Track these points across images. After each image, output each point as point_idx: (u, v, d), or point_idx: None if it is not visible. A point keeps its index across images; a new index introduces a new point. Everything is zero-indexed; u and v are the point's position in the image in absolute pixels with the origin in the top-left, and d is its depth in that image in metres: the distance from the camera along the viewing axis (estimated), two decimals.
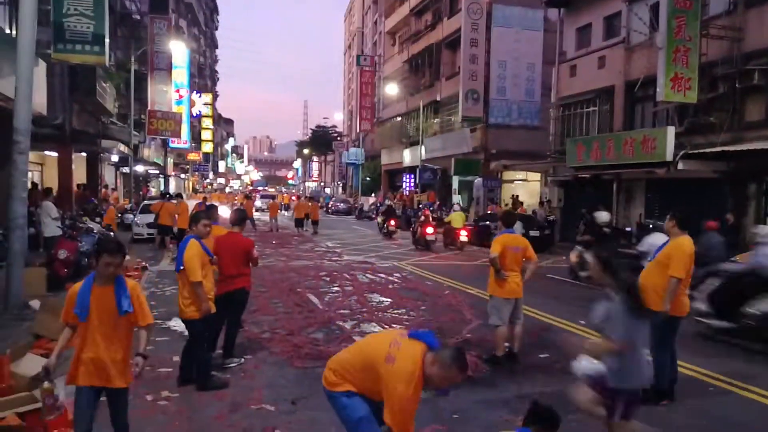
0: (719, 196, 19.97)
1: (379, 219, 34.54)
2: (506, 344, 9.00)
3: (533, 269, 9.16)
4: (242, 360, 8.63)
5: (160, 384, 7.56)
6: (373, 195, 59.57)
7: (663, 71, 19.58)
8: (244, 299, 8.83)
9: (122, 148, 30.91)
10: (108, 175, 37.53)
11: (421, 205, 37.54)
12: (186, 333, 7.89)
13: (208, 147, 73.09)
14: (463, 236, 25.55)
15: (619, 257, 12.58)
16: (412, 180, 49.13)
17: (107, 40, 19.63)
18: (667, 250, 7.38)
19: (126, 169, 37.72)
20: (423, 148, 44.25)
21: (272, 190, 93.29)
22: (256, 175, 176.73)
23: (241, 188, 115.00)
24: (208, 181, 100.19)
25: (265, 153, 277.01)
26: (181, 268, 7.34)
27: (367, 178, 67.75)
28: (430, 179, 44.76)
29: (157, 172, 50.12)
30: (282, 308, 12.40)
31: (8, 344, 8.00)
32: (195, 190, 75.85)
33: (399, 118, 54.38)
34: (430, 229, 25.24)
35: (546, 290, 15.31)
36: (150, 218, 23.09)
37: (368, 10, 79.00)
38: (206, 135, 70.11)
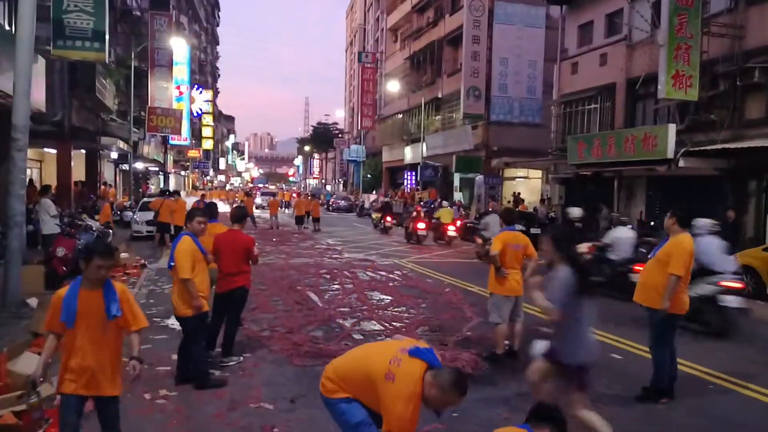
0: (720, 194, 19.94)
1: (376, 215, 35.70)
2: (506, 342, 8.98)
3: (534, 267, 9.11)
4: (241, 358, 8.60)
5: (159, 382, 7.54)
6: (374, 192, 59.53)
7: (664, 69, 19.56)
8: (244, 297, 8.79)
9: (122, 145, 30.90)
10: (107, 172, 37.51)
11: (422, 203, 37.51)
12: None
13: (208, 144, 73.15)
14: (451, 231, 26.67)
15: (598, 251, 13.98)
16: (414, 177, 49.09)
17: (107, 37, 19.62)
18: (667, 248, 7.35)
19: (125, 167, 37.70)
20: (424, 145, 44.24)
21: (273, 187, 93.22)
22: (256, 172, 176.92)
23: (241, 185, 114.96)
24: (208, 178, 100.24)
25: (266, 150, 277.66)
26: (172, 264, 7.32)
27: (368, 176, 67.70)
28: (431, 176, 44.75)
29: (157, 169, 50.11)
30: (282, 306, 12.37)
31: (6, 342, 7.98)
32: (195, 187, 75.85)
33: (400, 115, 54.31)
34: (421, 225, 26.53)
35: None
36: (149, 215, 23.05)
37: (370, 7, 78.91)
38: (207, 132, 70.15)
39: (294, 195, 58.73)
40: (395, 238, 29.01)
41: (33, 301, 10.59)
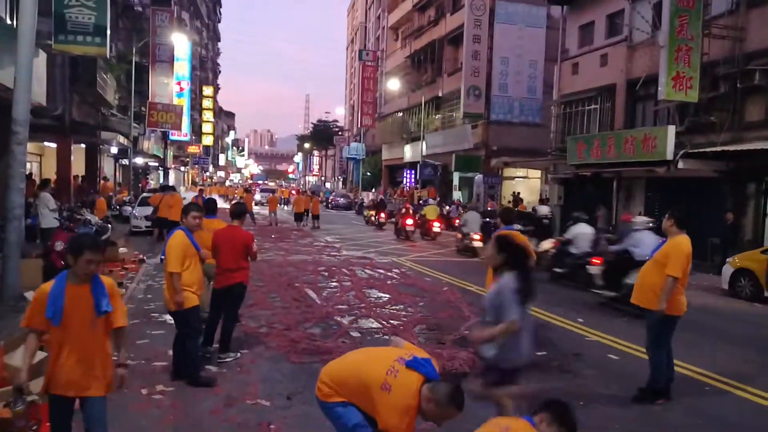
0: (719, 196, 19.97)
1: (371, 212, 36.79)
2: None
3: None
4: (238, 354, 8.60)
5: (155, 377, 7.55)
6: (373, 190, 59.54)
7: (665, 70, 19.58)
8: (242, 293, 8.78)
9: (122, 140, 30.86)
10: (107, 167, 37.48)
11: (422, 201, 37.57)
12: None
13: (208, 140, 73.18)
14: (436, 227, 28.13)
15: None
16: (413, 176, 49.15)
17: (108, 32, 19.59)
18: (665, 250, 7.36)
19: (125, 161, 37.68)
20: (424, 143, 44.27)
21: (272, 184, 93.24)
22: (256, 168, 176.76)
23: (240, 182, 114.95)
24: (208, 174, 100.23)
25: (266, 147, 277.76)
26: (163, 257, 7.33)
27: (368, 173, 67.70)
28: (430, 175, 44.79)
29: (157, 164, 50.07)
30: (279, 303, 12.36)
31: (3, 336, 7.99)
32: (194, 183, 75.85)
33: (400, 114, 54.34)
34: (409, 221, 27.77)
35: (544, 288, 15.29)
36: (148, 210, 23.01)
37: (371, 5, 78.84)
38: (207, 128, 70.15)
39: (293, 192, 58.73)
40: (393, 236, 29.07)
41: (31, 295, 10.58)
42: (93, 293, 4.57)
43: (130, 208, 27.45)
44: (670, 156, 19.63)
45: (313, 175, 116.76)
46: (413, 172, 48.74)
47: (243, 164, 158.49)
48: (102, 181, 32.27)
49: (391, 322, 10.99)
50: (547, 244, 17.68)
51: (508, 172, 37.24)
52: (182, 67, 48.42)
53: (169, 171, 55.86)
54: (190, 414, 6.57)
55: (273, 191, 53.22)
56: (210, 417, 6.50)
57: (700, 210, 17.85)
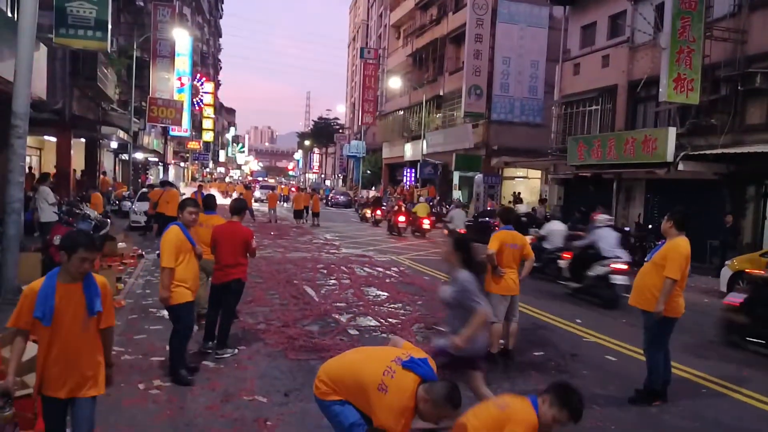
0: (718, 198, 19.98)
1: (366, 209, 38.83)
2: (501, 341, 8.98)
3: (529, 267, 9.13)
4: (236, 351, 8.60)
5: (153, 372, 7.55)
6: (373, 188, 59.51)
7: (666, 72, 19.58)
8: (240, 290, 8.77)
9: (122, 135, 30.83)
10: (107, 161, 37.48)
11: (422, 199, 37.59)
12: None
13: (208, 136, 73.11)
14: (426, 224, 29.03)
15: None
16: (413, 174, 49.14)
17: (109, 26, 19.59)
18: (663, 251, 7.36)
19: (125, 156, 37.65)
20: (424, 142, 44.26)
21: (272, 181, 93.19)
22: (256, 165, 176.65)
23: (240, 178, 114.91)
24: (207, 170, 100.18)
25: (266, 143, 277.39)
26: (158, 252, 7.32)
27: (368, 172, 67.67)
28: (430, 174, 44.78)
29: (157, 160, 50.06)
30: (278, 300, 12.37)
31: (1, 329, 7.98)
32: (194, 179, 75.85)
33: (401, 112, 54.30)
34: (402, 218, 29.46)
35: (542, 288, 15.32)
36: (147, 206, 22.98)
37: (373, 3, 78.77)
38: (207, 124, 70.09)
39: (293, 189, 58.74)
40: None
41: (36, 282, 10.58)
42: (85, 292, 4.41)
43: (129, 203, 27.42)
44: (670, 158, 19.64)
45: (313, 172, 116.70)
46: (413, 170, 48.73)
47: (243, 161, 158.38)
48: (102, 176, 32.26)
49: (389, 320, 11.00)
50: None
51: (509, 171, 37.25)
52: (183, 62, 48.41)
53: (169, 167, 55.86)
54: (187, 409, 6.57)
55: (273, 188, 53.20)
56: (207, 412, 6.50)
57: (699, 212, 17.86)
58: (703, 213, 18.80)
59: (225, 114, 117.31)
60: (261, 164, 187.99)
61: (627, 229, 21.99)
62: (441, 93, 44.30)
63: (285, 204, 51.38)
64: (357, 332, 10.11)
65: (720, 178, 19.89)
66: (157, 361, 7.99)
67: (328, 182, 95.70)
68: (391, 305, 12.44)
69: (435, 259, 20.58)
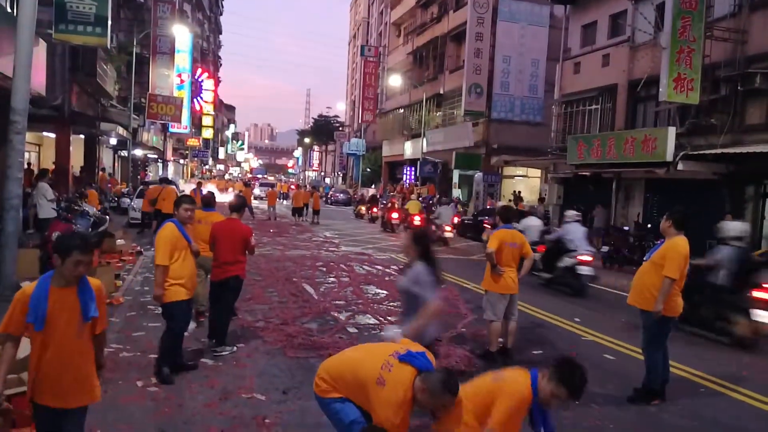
0: (718, 198, 19.94)
1: (361, 206, 40.40)
2: (500, 340, 8.98)
3: (528, 266, 9.13)
4: (235, 348, 8.59)
5: (151, 370, 7.49)
6: (372, 186, 59.51)
7: (666, 71, 19.55)
8: (238, 287, 8.76)
9: (121, 131, 30.86)
10: (106, 158, 37.47)
11: (420, 198, 37.65)
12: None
13: (208, 133, 73.04)
14: (417, 221, 28.68)
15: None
16: (413, 172, 49.11)
17: (109, 22, 19.55)
18: (662, 251, 7.36)
19: (124, 153, 37.65)
20: (424, 140, 44.25)
21: (272, 178, 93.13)
22: (255, 162, 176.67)
23: (240, 175, 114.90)
24: (207, 167, 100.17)
25: (266, 141, 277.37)
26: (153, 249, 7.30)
27: (368, 169, 67.65)
28: (430, 172, 44.75)
29: (156, 156, 50.03)
30: (277, 297, 12.37)
31: None
32: (193, 175, 75.85)
33: (401, 110, 54.29)
34: (395, 215, 30.51)
35: (541, 286, 15.34)
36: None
37: (374, 1, 78.70)
38: (207, 121, 70.01)
39: (292, 187, 58.70)
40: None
41: (27, 284, 10.57)
42: (80, 297, 4.25)
43: (128, 200, 27.41)
44: (669, 157, 19.61)
45: (313, 170, 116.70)
46: (413, 168, 48.71)
47: (243, 158, 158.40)
48: (101, 173, 32.25)
49: (389, 318, 10.99)
50: None
51: (508, 170, 37.22)
52: (183, 59, 48.34)
53: (168, 163, 55.82)
54: (185, 407, 6.56)
55: (272, 185, 53.20)
56: (205, 410, 6.49)
57: (698, 212, 17.83)
58: (703, 213, 18.78)
59: (225, 111, 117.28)
60: (260, 161, 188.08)
61: (626, 228, 22.02)
62: (441, 91, 44.27)
63: (284, 202, 51.35)
64: (356, 330, 10.12)
65: (719, 178, 19.87)
66: (155, 358, 7.97)
67: (327, 180, 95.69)
68: (390, 303, 12.42)
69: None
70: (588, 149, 23.62)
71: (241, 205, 9.07)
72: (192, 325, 9.23)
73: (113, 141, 34.13)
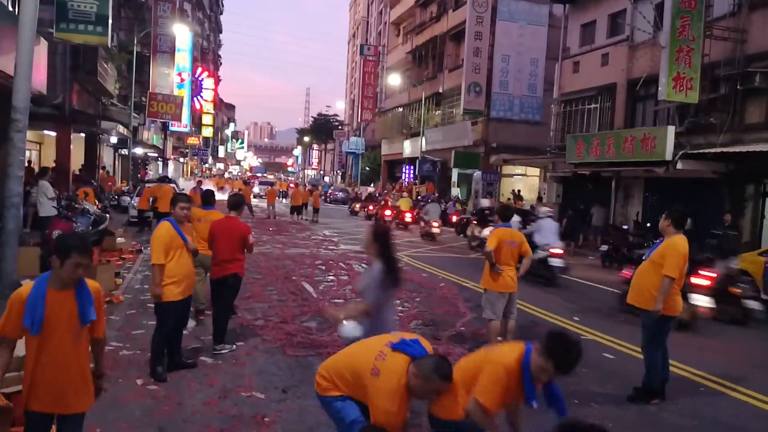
0: (717, 197, 19.97)
1: (356, 204, 41.82)
2: (499, 338, 8.99)
3: (527, 264, 9.15)
4: (234, 347, 8.58)
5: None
6: (372, 185, 59.51)
7: (665, 70, 19.57)
8: (237, 285, 8.74)
9: (121, 129, 30.81)
10: (106, 156, 37.44)
11: (420, 197, 37.76)
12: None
13: (208, 132, 72.99)
14: (408, 217, 31.24)
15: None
16: (412, 171, 49.15)
17: (110, 21, 19.57)
18: (661, 250, 7.36)
19: (125, 151, 37.63)
20: (424, 139, 44.28)
21: (271, 176, 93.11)
22: (255, 161, 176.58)
23: (239, 174, 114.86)
24: (207, 165, 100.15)
25: (266, 139, 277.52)
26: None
27: (367, 168, 67.66)
28: (429, 171, 44.78)
29: (156, 155, 50.01)
30: (276, 296, 12.37)
31: None
32: (194, 174, 75.86)
33: (401, 109, 54.30)
34: (388, 212, 31.70)
35: (541, 285, 15.35)
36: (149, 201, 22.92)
37: (373, 0, 78.73)
38: (207, 119, 69.97)
39: (292, 185, 58.71)
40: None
41: (28, 282, 10.58)
42: (78, 300, 4.12)
43: (128, 198, 27.41)
44: (669, 156, 19.64)
45: (313, 168, 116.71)
46: (412, 167, 48.76)
47: (242, 156, 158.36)
48: (101, 171, 32.24)
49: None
50: (487, 231, 19.60)
51: (507, 169, 37.22)
52: (183, 57, 48.30)
53: (169, 162, 55.80)
54: (185, 405, 6.56)
55: (272, 184, 53.17)
56: (204, 408, 6.49)
57: (698, 211, 17.86)
58: (702, 212, 18.82)
59: (225, 110, 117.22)
60: (260, 160, 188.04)
61: (625, 227, 22.05)
62: (440, 90, 44.28)
63: (284, 200, 51.36)
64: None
65: (719, 177, 19.88)
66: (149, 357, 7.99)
67: (327, 178, 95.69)
68: None
69: (433, 257, 20.62)
70: (587, 148, 23.63)
71: (239, 203, 9.05)
72: (191, 324, 9.26)
73: (114, 139, 34.09)
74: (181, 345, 7.80)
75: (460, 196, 39.20)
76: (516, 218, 18.44)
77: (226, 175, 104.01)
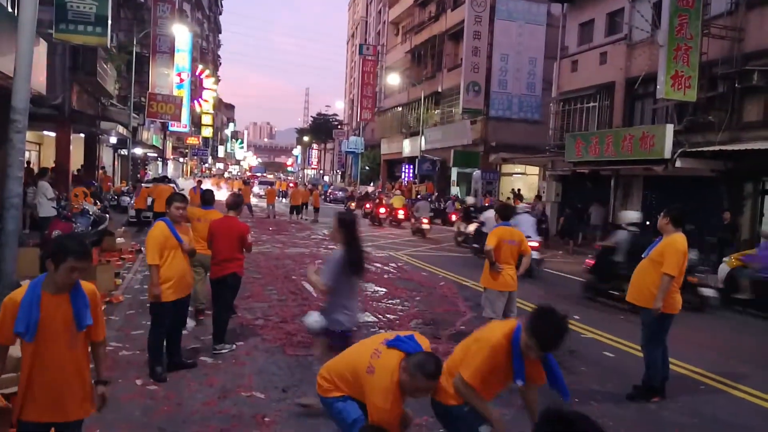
0: (716, 195, 19.99)
1: (351, 202, 42.67)
2: None
3: (527, 263, 9.16)
4: (234, 346, 8.58)
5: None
6: (371, 184, 59.51)
7: (664, 69, 19.58)
8: (236, 284, 8.74)
9: (121, 130, 30.83)
10: (106, 156, 37.44)
11: (419, 196, 37.83)
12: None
13: (207, 132, 73.00)
14: (401, 214, 32.48)
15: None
16: (411, 170, 49.18)
17: (109, 22, 19.57)
18: (661, 248, 7.37)
19: (124, 152, 37.64)
20: (423, 138, 44.28)
21: (271, 176, 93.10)
22: (255, 161, 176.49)
23: (239, 174, 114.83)
24: (206, 165, 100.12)
25: (265, 139, 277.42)
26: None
27: (366, 167, 67.64)
28: (429, 170, 44.79)
29: (156, 155, 50.01)
30: (276, 295, 12.38)
31: None
32: (193, 174, 75.86)
33: (400, 108, 54.32)
34: (382, 210, 33.37)
35: (540, 284, 15.36)
36: (147, 201, 22.95)
37: (372, 0, 78.72)
38: (206, 119, 69.99)
39: (291, 185, 58.76)
40: (388, 230, 29.64)
41: (27, 283, 10.58)
42: (73, 304, 3.94)
43: (128, 198, 27.42)
44: (668, 155, 19.64)
45: (312, 168, 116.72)
46: (412, 166, 48.80)
47: (242, 156, 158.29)
48: (100, 171, 32.24)
49: (387, 316, 11.02)
50: (471, 227, 21.51)
51: (507, 168, 37.22)
52: (183, 58, 48.30)
53: (168, 162, 55.80)
54: (184, 405, 6.55)
55: (271, 184, 53.17)
56: (204, 408, 6.48)
57: (697, 209, 17.89)
58: (701, 210, 18.84)
59: (224, 110, 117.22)
60: (260, 160, 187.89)
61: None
62: (439, 89, 44.30)
63: (283, 200, 51.34)
64: (355, 328, 10.11)
65: (717, 175, 19.90)
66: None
67: (326, 178, 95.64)
68: (389, 301, 12.46)
69: (433, 255, 20.63)
70: (586, 147, 23.64)
71: (237, 202, 9.04)
72: (191, 324, 9.27)
73: (113, 140, 34.10)
74: (180, 345, 7.81)
75: (459, 195, 39.19)
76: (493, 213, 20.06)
77: (226, 174, 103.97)
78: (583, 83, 27.73)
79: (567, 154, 25.25)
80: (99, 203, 21.88)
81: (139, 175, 41.01)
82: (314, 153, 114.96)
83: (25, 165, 14.50)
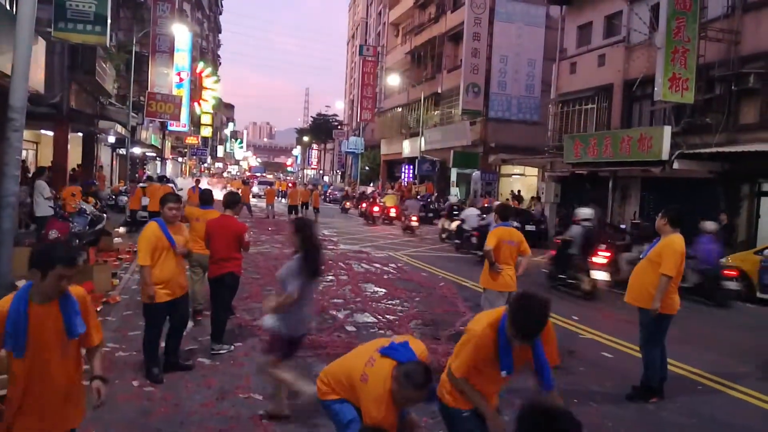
0: (713, 197, 20.02)
1: (347, 202, 44.68)
2: None
3: (526, 263, 9.15)
4: (232, 347, 8.57)
5: None
6: (371, 185, 59.52)
7: (661, 71, 19.62)
8: (234, 284, 8.72)
9: (120, 129, 30.76)
10: (104, 156, 37.39)
11: (419, 197, 37.90)
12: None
13: (207, 131, 72.92)
14: (393, 212, 33.72)
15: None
16: (411, 171, 49.21)
17: (109, 21, 19.53)
18: (658, 249, 7.37)
19: (123, 151, 37.58)
20: (423, 139, 44.30)
21: (270, 176, 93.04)
22: (254, 161, 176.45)
23: (238, 174, 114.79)
24: (206, 165, 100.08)
25: (265, 139, 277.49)
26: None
27: (366, 168, 67.64)
28: (428, 171, 44.82)
29: (155, 155, 49.96)
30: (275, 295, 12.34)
31: None
32: (192, 173, 75.82)
33: (400, 109, 54.35)
34: (376, 208, 34.37)
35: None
36: (145, 201, 22.90)
37: (373, 1, 78.67)
38: (205, 119, 69.91)
39: (290, 185, 58.75)
40: (389, 231, 29.61)
41: (23, 284, 10.56)
42: (62, 312, 3.73)
43: (125, 198, 27.37)
44: (665, 156, 19.67)
45: (312, 168, 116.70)
46: (411, 167, 48.83)
47: (241, 156, 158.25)
48: (97, 172, 32.19)
49: (387, 316, 11.00)
50: (454, 224, 23.32)
51: (506, 169, 37.28)
52: (182, 57, 48.23)
53: (167, 161, 55.76)
54: (182, 407, 6.55)
55: (271, 184, 53.14)
56: (201, 410, 6.47)
57: (694, 210, 17.89)
58: (698, 211, 18.85)
59: (224, 109, 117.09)
60: (259, 160, 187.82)
61: (623, 226, 22.05)
62: (439, 90, 44.34)
63: (283, 200, 51.27)
64: (354, 329, 10.11)
65: (714, 177, 19.94)
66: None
67: (326, 178, 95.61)
68: (389, 301, 12.45)
69: (433, 256, 20.63)
70: (584, 148, 23.66)
71: (234, 201, 8.99)
72: (189, 324, 9.25)
73: (112, 139, 34.01)
74: (179, 346, 7.79)
75: (459, 195, 39.19)
76: (475, 212, 21.52)
77: (225, 174, 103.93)
78: (581, 85, 27.77)
79: (565, 156, 25.27)
80: (98, 203, 21.86)
81: (137, 175, 40.97)
82: (314, 153, 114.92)
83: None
